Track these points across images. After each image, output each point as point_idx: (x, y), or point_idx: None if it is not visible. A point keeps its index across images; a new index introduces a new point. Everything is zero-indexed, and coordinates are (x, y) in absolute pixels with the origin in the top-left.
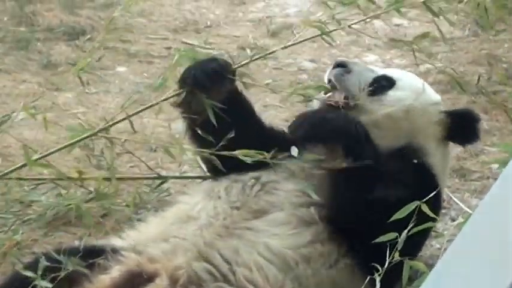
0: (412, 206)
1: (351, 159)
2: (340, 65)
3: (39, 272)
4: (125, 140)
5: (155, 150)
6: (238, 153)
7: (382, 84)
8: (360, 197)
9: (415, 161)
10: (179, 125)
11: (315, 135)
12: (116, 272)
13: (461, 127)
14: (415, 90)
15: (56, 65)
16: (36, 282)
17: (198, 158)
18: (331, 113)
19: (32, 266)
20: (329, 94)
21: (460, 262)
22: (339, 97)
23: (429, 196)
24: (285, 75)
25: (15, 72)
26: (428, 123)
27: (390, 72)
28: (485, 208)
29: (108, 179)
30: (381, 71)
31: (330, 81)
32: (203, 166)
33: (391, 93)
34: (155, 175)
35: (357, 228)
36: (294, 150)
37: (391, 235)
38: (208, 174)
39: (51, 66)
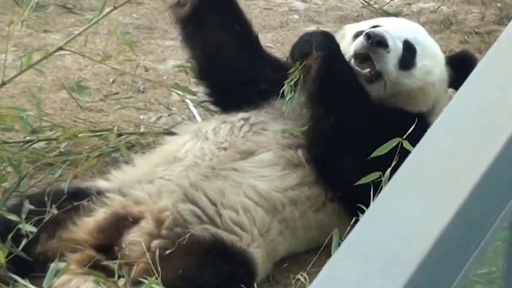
0: (393, 142)
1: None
2: (379, 43)
3: (23, 216)
4: (113, 81)
5: (143, 92)
6: None
7: (408, 55)
8: (341, 138)
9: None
10: (168, 66)
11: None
12: (100, 214)
13: (461, 71)
14: (434, 55)
15: (43, 6)
16: (20, 226)
17: (188, 100)
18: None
19: (16, 209)
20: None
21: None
22: (370, 66)
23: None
24: (275, 16)
25: (2, 14)
26: (443, 80)
27: (405, 33)
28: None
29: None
30: (391, 28)
31: (363, 53)
32: (192, 108)
33: (420, 65)
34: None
35: (338, 171)
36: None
37: (374, 175)
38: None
39: (39, 7)
